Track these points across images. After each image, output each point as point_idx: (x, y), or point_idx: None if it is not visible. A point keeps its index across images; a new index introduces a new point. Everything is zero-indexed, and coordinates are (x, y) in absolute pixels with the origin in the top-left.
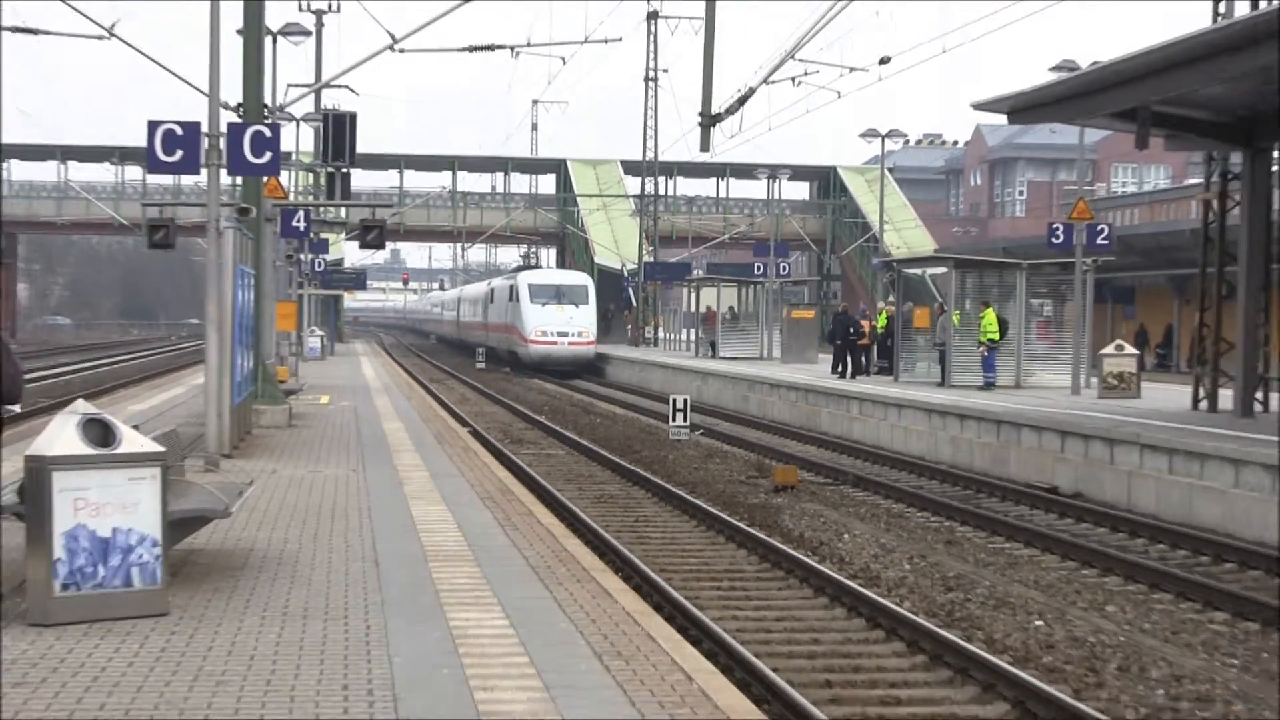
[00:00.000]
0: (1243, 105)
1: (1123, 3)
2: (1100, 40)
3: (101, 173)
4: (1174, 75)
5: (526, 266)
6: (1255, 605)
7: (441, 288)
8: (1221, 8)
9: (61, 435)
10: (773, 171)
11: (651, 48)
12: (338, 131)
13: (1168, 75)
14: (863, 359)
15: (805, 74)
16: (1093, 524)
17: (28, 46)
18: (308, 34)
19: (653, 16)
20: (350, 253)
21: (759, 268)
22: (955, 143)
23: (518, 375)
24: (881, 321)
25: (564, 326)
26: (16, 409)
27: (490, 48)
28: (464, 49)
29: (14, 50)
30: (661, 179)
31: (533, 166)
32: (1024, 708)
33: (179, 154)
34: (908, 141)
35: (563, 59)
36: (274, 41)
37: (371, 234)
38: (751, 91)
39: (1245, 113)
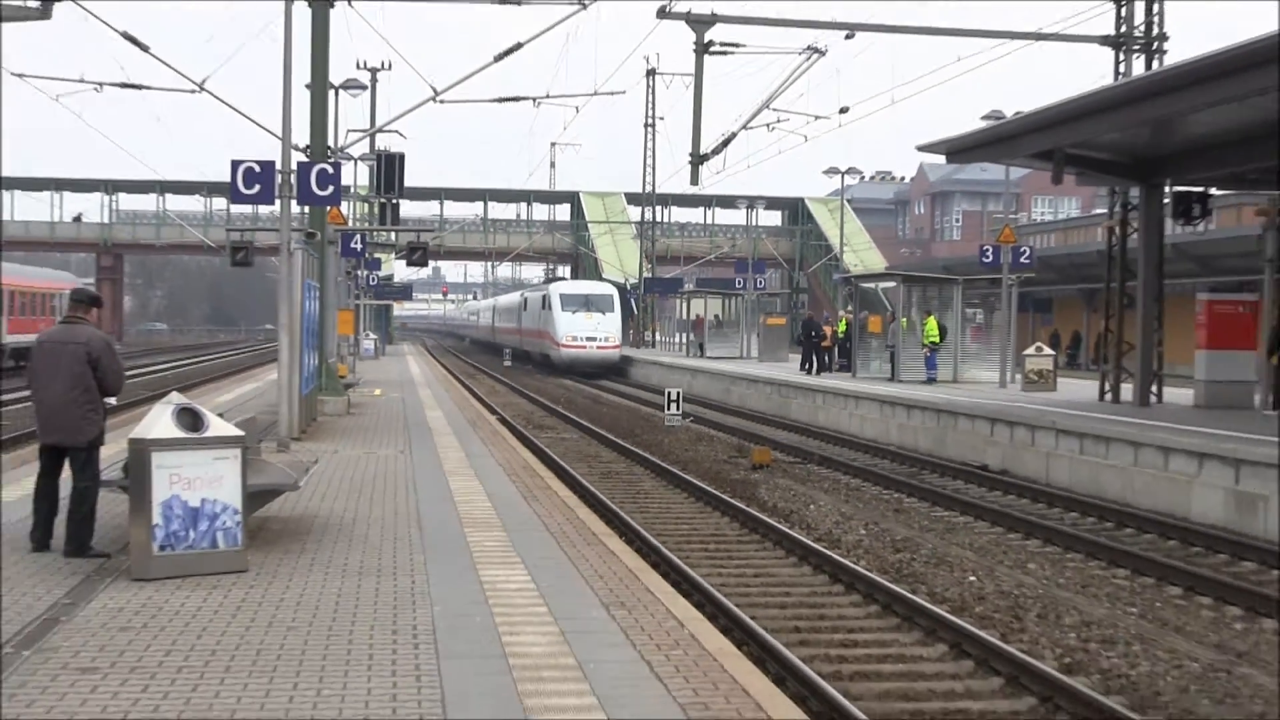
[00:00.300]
0: (1139, 148)
1: (1040, 60)
2: (1023, 91)
3: (193, 203)
4: (1083, 123)
5: (552, 279)
6: (1151, 563)
7: (475, 298)
8: (1122, 67)
9: (159, 422)
10: (750, 202)
11: (650, 99)
12: (388, 169)
13: (1078, 124)
14: (826, 358)
15: (778, 121)
16: (1017, 495)
17: (133, 99)
18: (364, 88)
19: (651, 73)
20: (399, 269)
21: (739, 282)
22: (903, 178)
23: (541, 374)
24: (841, 327)
25: (592, 332)
26: (113, 401)
27: (516, 99)
28: (494, 100)
29: (122, 102)
30: (658, 208)
31: (551, 198)
32: (960, 649)
33: (257, 187)
34: (863, 177)
35: (576, 108)
36: (336, 94)
37: (416, 254)
38: (733, 135)
39: (1141, 154)
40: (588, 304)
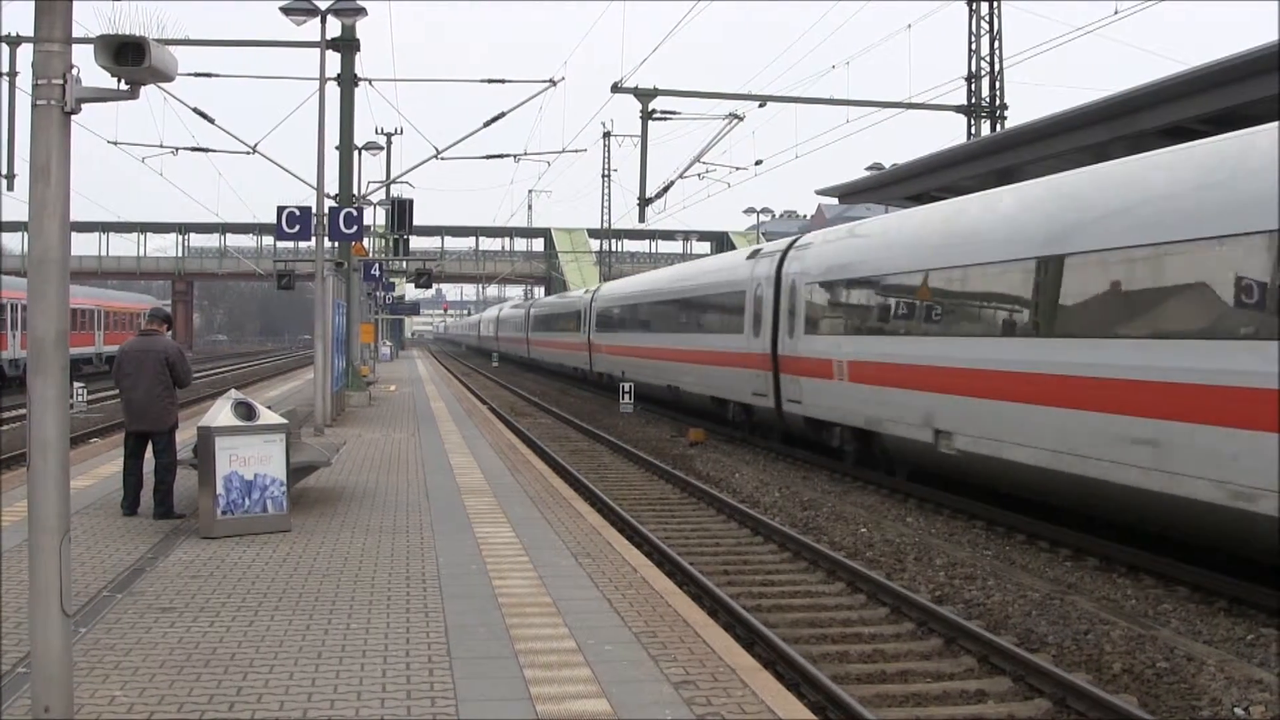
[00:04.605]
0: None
1: (911, 122)
2: (898, 147)
3: (248, 240)
4: (944, 172)
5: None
6: (1002, 519)
7: (468, 313)
8: (973, 130)
9: (221, 413)
10: (686, 235)
11: (606, 156)
12: (400, 212)
13: (940, 172)
14: None
15: (707, 171)
16: None
17: (201, 159)
18: (381, 148)
19: (607, 135)
20: (409, 291)
21: None
22: (805, 215)
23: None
24: None
25: None
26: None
27: (500, 156)
28: (483, 157)
29: (192, 161)
30: (614, 240)
31: (528, 233)
32: (854, 585)
33: (298, 227)
34: (774, 214)
35: (548, 162)
36: (359, 153)
37: (422, 278)
38: (672, 183)
39: None
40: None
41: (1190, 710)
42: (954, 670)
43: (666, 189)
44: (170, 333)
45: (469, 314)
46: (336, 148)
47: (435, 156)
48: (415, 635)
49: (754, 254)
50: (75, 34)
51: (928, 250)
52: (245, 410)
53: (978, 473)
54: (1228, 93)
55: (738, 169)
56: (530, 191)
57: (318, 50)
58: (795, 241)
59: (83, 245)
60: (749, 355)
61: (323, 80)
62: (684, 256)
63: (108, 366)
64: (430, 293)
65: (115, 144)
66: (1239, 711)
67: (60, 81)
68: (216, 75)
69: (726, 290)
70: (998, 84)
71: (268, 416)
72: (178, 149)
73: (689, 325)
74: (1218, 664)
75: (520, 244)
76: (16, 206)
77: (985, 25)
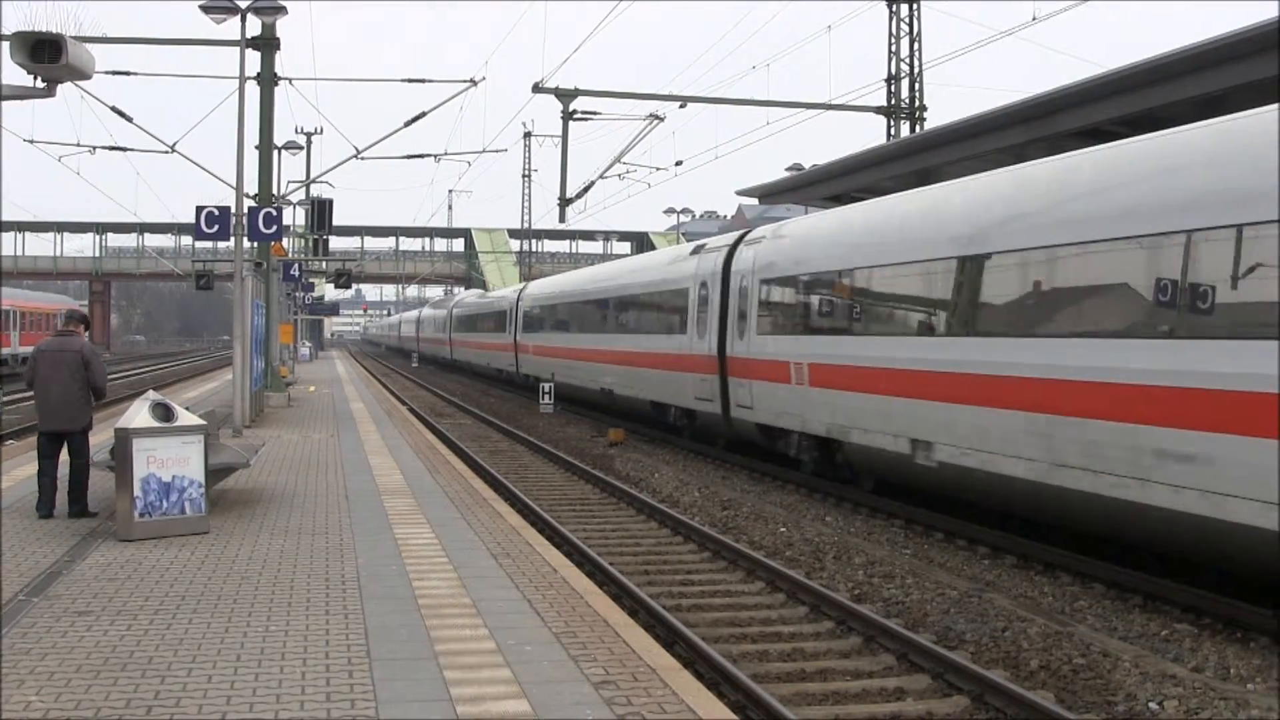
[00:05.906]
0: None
1: (831, 123)
2: (818, 147)
3: (166, 240)
4: (863, 173)
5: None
6: (920, 518)
7: (386, 314)
8: (893, 131)
9: (139, 414)
10: (606, 235)
11: (527, 156)
12: (320, 211)
13: (860, 173)
14: None
15: (627, 171)
16: None
17: (119, 159)
18: (300, 148)
19: (528, 135)
20: (328, 291)
21: None
22: (726, 216)
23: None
24: None
25: None
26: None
27: (421, 156)
28: (403, 156)
29: (110, 160)
30: (534, 241)
31: (449, 233)
32: (774, 584)
33: (216, 227)
34: (694, 215)
35: (469, 162)
36: (279, 153)
37: (342, 279)
38: (592, 183)
39: None
40: None
41: (1106, 706)
42: (873, 668)
43: (587, 189)
44: (88, 335)
45: (389, 314)
46: (256, 147)
47: (355, 156)
48: (335, 637)
49: None
50: None
51: None
52: (163, 411)
53: None
54: (1144, 95)
55: (658, 169)
56: (450, 191)
57: (237, 49)
58: None
59: None
60: None
61: (242, 79)
62: (604, 257)
63: (24, 367)
64: (350, 293)
65: (31, 142)
66: (1154, 706)
67: None
68: (135, 74)
69: None
70: (917, 85)
71: (186, 418)
72: (95, 148)
73: None
74: (1133, 659)
75: (440, 244)
76: None
77: (905, 27)
